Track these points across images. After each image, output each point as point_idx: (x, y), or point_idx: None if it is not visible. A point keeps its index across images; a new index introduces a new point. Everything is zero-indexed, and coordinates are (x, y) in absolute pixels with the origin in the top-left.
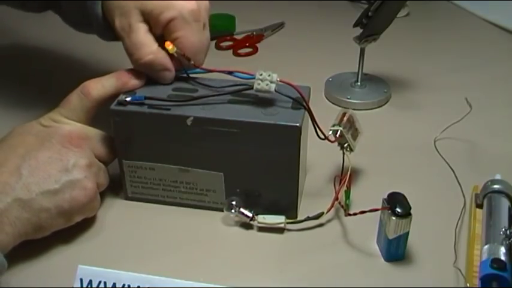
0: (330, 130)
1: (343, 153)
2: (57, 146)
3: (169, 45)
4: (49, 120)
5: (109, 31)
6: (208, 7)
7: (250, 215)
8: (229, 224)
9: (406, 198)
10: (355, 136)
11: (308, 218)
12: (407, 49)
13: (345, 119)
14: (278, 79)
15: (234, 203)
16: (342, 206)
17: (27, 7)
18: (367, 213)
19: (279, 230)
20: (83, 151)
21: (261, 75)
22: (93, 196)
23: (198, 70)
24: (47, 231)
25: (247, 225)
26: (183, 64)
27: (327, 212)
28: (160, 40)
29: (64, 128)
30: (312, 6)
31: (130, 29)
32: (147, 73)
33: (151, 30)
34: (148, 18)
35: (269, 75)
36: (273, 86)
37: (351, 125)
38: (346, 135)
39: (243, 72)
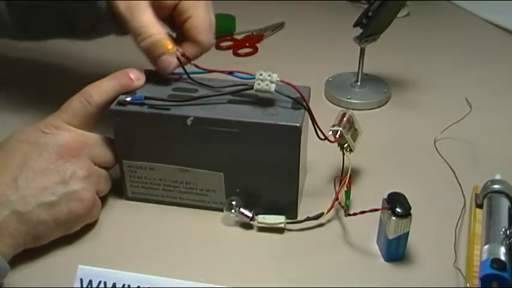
0: (330, 130)
1: (343, 154)
2: (55, 156)
3: (169, 45)
4: (49, 125)
5: (115, 22)
6: None
7: (250, 215)
8: (229, 224)
9: (406, 198)
10: (354, 136)
11: (308, 218)
12: (407, 49)
13: (345, 119)
14: (278, 79)
15: (234, 203)
16: (342, 207)
17: (29, 34)
18: (367, 213)
19: (279, 230)
20: (81, 161)
21: (261, 75)
22: (91, 206)
23: (198, 70)
24: (46, 241)
25: (247, 225)
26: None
27: (327, 212)
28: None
29: (63, 137)
30: (312, 6)
31: (137, 8)
32: (149, 57)
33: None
34: (153, 2)
35: (269, 75)
36: (273, 86)
37: (351, 126)
38: (346, 136)
39: (243, 72)
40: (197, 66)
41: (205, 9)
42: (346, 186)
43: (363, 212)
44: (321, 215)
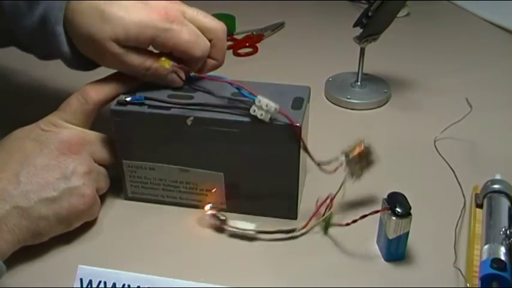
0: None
1: (346, 177)
2: (56, 152)
3: (165, 61)
4: (49, 124)
5: (82, 63)
6: (176, 2)
7: (223, 218)
8: None
9: (406, 198)
10: (363, 167)
11: (279, 231)
12: (407, 49)
13: (356, 152)
14: (278, 109)
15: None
16: (324, 227)
17: None
18: (365, 213)
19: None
20: (82, 157)
21: (259, 102)
22: (92, 202)
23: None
24: (46, 237)
25: None
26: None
27: (301, 229)
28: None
29: (63, 133)
30: (312, 6)
31: (118, 59)
32: (158, 82)
33: (137, 45)
34: (127, 43)
35: (267, 105)
36: (268, 117)
37: (364, 158)
38: (350, 167)
39: (249, 91)
40: (203, 77)
41: (181, 30)
42: (329, 208)
43: (364, 216)
44: (293, 230)
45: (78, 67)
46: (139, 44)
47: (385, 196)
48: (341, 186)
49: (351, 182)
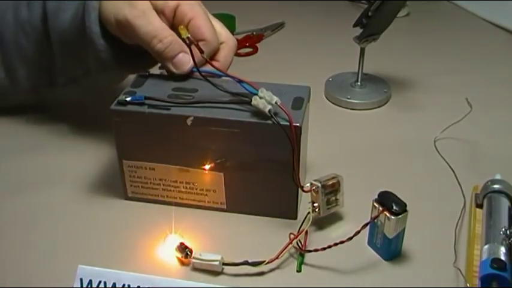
0: (310, 182)
1: (309, 212)
2: None
3: (183, 29)
4: None
5: (111, 51)
6: None
7: (188, 252)
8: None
9: (396, 195)
10: (331, 204)
11: (246, 263)
12: (407, 49)
13: (330, 182)
14: (279, 103)
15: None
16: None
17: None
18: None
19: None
20: None
21: (262, 92)
22: None
23: (209, 70)
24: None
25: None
26: (195, 55)
27: (268, 262)
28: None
29: None
30: (312, 6)
31: (149, 14)
32: (164, 59)
33: (164, 9)
34: (156, 9)
35: (269, 97)
36: (268, 107)
37: (334, 192)
38: (321, 197)
39: (250, 85)
40: (212, 65)
41: (203, 11)
42: (301, 249)
43: (366, 225)
44: (261, 263)
45: (107, 61)
46: (166, 8)
47: (375, 199)
48: (301, 227)
49: (314, 221)
